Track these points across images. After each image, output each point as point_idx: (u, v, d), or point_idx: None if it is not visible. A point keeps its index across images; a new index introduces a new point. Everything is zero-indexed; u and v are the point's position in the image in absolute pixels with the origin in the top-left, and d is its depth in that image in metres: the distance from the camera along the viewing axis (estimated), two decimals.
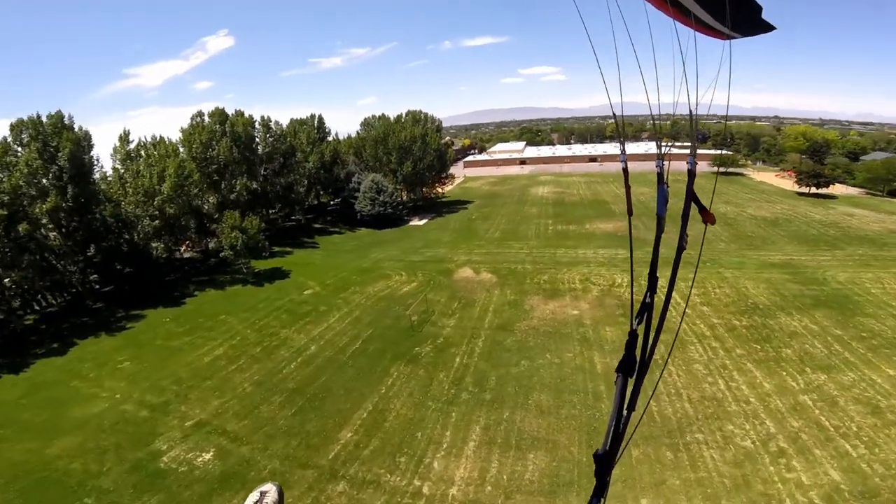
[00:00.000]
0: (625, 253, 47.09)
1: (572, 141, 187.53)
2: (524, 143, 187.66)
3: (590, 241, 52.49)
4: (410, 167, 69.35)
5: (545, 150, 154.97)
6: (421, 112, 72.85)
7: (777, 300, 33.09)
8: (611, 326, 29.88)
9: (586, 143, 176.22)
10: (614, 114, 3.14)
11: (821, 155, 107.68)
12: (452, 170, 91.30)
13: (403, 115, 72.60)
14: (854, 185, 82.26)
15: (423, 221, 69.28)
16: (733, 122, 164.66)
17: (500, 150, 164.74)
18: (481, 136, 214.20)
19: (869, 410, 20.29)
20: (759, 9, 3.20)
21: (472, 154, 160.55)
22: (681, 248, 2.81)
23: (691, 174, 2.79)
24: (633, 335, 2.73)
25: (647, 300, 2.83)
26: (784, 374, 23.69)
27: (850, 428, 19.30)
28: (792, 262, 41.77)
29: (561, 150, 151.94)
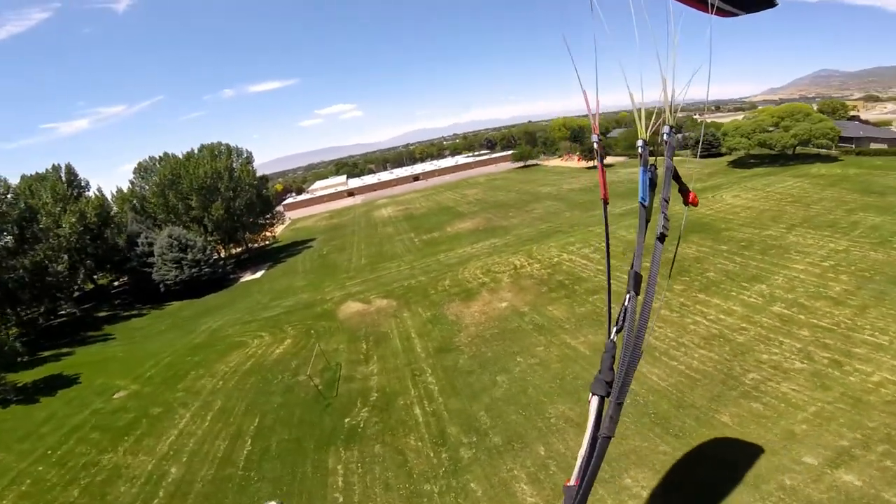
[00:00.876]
0: (499, 241, 46.00)
1: (388, 167, 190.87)
2: (345, 175, 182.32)
3: (460, 240, 50.07)
4: (221, 209, 55.35)
5: (369, 179, 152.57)
6: (221, 144, 59.39)
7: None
8: (551, 304, 26.62)
9: (402, 166, 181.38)
10: (587, 103, 4.29)
11: (581, 138, 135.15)
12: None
13: (196, 151, 57.94)
14: (617, 155, 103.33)
15: (260, 273, 56.31)
16: (513, 126, 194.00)
17: (322, 186, 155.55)
18: (293, 180, 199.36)
19: (822, 294, 21.56)
20: None
21: (291, 197, 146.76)
22: (662, 237, 3.05)
23: (670, 147, 3.24)
24: (610, 347, 2.62)
25: (627, 303, 2.77)
26: (732, 292, 24.07)
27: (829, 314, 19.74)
28: (633, 209, 47.14)
29: (385, 176, 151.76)
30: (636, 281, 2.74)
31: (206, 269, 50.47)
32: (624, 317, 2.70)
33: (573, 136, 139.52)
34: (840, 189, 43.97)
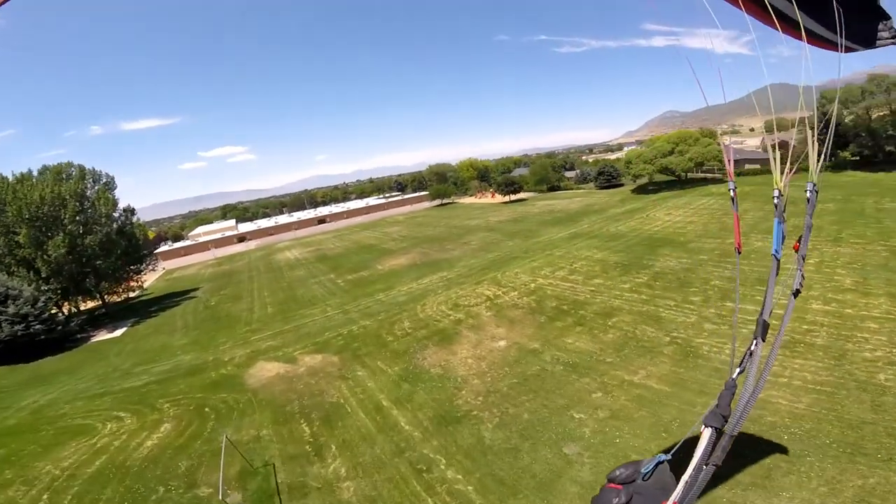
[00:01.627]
0: (449, 273, 39.31)
1: (285, 211, 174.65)
2: (234, 220, 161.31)
3: (399, 277, 42.13)
4: (63, 248, 39.62)
5: (265, 222, 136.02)
6: (72, 164, 43.74)
7: (628, 257, 32.40)
8: (567, 336, 20.26)
9: (303, 209, 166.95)
10: (726, 155, 4.98)
11: (487, 177, 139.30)
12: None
13: (35, 172, 41.71)
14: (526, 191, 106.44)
15: (121, 331, 41.06)
16: (421, 171, 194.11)
17: (206, 231, 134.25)
18: (171, 227, 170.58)
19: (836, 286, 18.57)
20: (887, 17, 3.78)
21: (166, 245, 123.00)
22: (796, 293, 3.07)
23: (811, 204, 3.29)
24: (731, 385, 2.77)
25: (754, 347, 2.89)
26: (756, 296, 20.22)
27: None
28: (577, 232, 44.73)
29: (284, 219, 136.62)
30: (764, 328, 2.90)
31: (38, 327, 34.67)
32: (748, 359, 2.90)
33: (480, 175, 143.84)
34: (752, 202, 46.92)
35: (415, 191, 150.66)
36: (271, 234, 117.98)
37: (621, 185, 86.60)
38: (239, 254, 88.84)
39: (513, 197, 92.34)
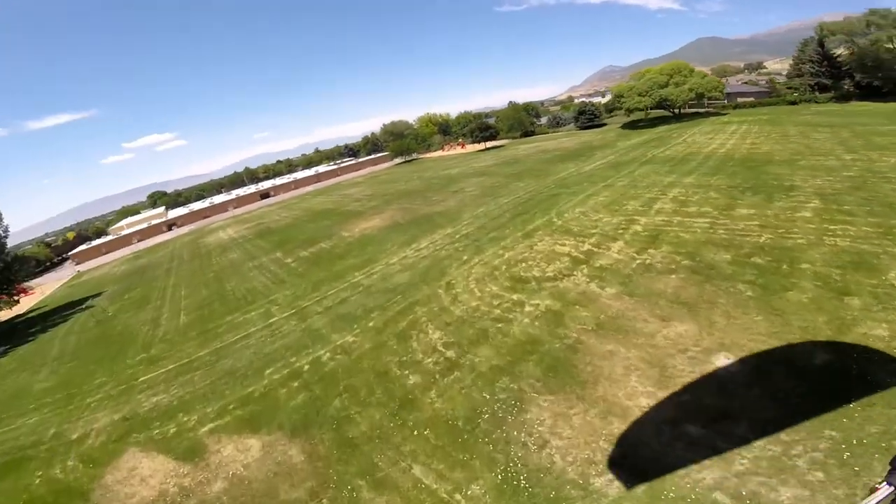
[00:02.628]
0: (463, 228, 26.02)
1: (223, 190, 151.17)
2: (164, 207, 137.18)
3: (378, 244, 28.37)
4: None
5: (198, 205, 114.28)
6: None
7: (738, 180, 20.26)
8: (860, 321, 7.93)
9: (243, 186, 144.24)
10: None
11: (448, 131, 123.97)
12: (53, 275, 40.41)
13: None
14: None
15: None
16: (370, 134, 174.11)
17: (131, 222, 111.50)
18: (96, 226, 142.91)
19: None
20: None
21: (87, 244, 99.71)
22: None
23: None
24: None
25: None
26: None
27: None
28: (615, 162, 32.28)
29: (220, 199, 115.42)
30: None
31: None
32: None
33: (442, 130, 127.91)
34: (779, 128, 36.41)
35: (369, 154, 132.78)
36: (206, 217, 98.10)
37: (604, 124, 75.49)
38: (161, 244, 70.30)
39: (489, 144, 78.73)
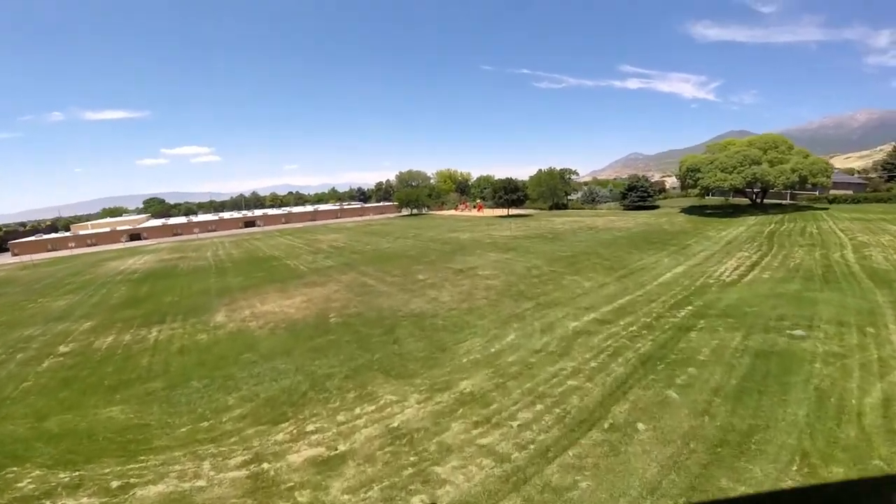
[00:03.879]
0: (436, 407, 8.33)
1: (211, 211, 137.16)
2: (148, 215, 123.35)
3: (260, 360, 10.72)
4: None
5: (175, 220, 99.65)
6: None
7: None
8: None
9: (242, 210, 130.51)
10: None
11: (467, 191, 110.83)
12: None
13: None
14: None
15: None
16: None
17: (101, 223, 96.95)
18: (66, 220, 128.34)
19: None
20: None
21: (38, 237, 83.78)
22: None
23: None
24: None
25: None
26: None
27: None
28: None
29: (203, 217, 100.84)
30: None
31: None
32: None
33: (460, 188, 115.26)
34: None
35: (378, 201, 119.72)
36: (175, 234, 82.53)
37: (655, 206, 60.65)
38: (96, 254, 53.55)
39: (513, 211, 63.60)
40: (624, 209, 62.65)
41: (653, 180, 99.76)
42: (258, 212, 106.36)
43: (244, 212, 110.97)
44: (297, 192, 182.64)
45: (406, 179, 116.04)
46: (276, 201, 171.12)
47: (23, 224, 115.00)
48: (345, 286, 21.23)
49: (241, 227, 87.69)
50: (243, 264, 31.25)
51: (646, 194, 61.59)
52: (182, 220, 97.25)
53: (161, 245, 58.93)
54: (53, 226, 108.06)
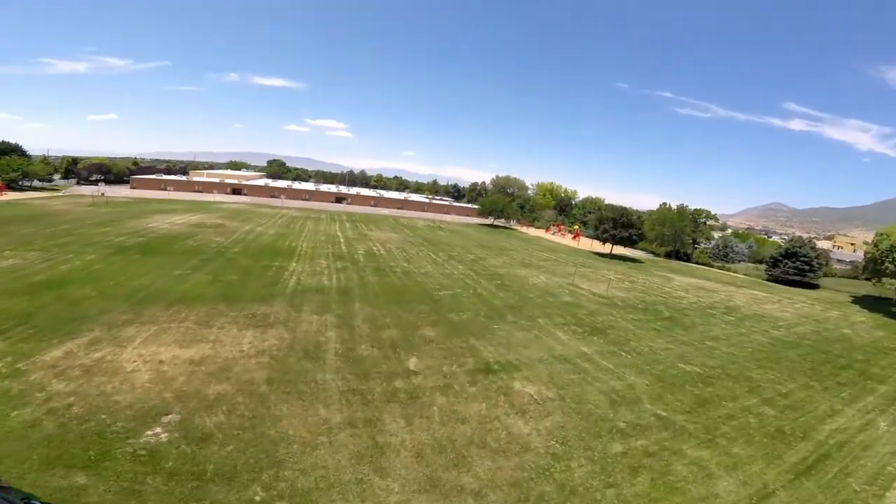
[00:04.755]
0: None
1: (312, 182, 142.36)
2: (262, 174, 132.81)
3: None
4: None
5: (280, 183, 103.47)
6: None
7: None
8: None
9: (352, 186, 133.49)
10: None
11: (567, 210, 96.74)
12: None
13: None
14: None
15: None
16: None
17: (214, 174, 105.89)
18: (184, 164, 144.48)
19: None
20: None
21: (156, 175, 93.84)
22: None
23: None
24: None
25: None
26: None
27: None
28: None
29: (301, 186, 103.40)
30: None
31: None
32: None
33: (559, 206, 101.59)
34: None
35: (470, 202, 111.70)
36: (272, 196, 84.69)
37: (815, 285, 42.59)
38: (169, 200, 54.57)
39: (618, 250, 49.95)
40: (768, 279, 45.26)
41: (817, 246, 75.22)
42: (353, 190, 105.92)
43: (341, 187, 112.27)
44: (399, 178, 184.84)
45: (502, 185, 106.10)
46: (380, 182, 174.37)
47: (160, 163, 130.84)
48: (268, 356, 12.72)
49: (331, 202, 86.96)
50: (242, 256, 25.02)
51: (808, 268, 43.49)
52: (283, 184, 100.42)
53: (236, 205, 57.91)
54: (181, 168, 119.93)
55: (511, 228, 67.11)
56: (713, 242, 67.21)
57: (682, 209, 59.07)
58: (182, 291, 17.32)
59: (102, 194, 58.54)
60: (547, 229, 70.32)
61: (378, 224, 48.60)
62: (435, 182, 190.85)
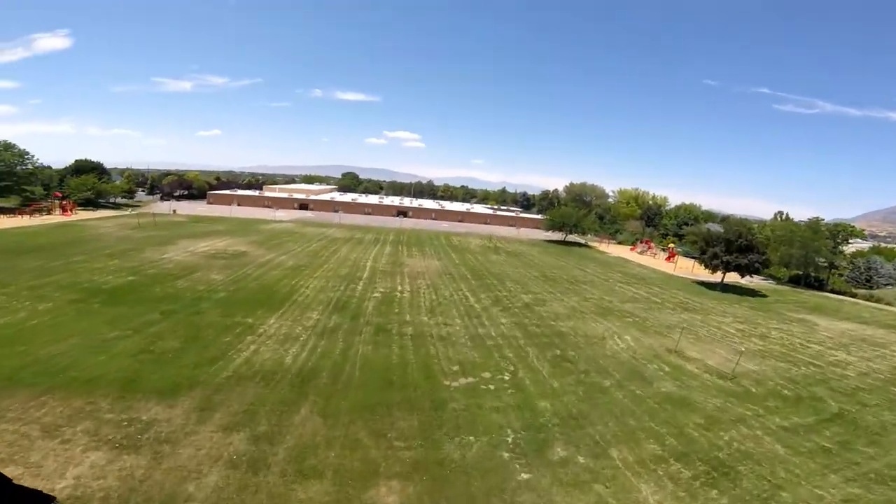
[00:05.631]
0: None
1: (382, 194, 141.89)
2: (333, 187, 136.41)
3: None
4: None
5: (344, 197, 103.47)
6: None
7: None
8: None
9: (418, 197, 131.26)
10: None
11: (655, 222, 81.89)
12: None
13: None
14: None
15: None
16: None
17: (286, 188, 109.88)
18: (258, 179, 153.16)
19: None
20: None
21: (232, 191, 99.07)
22: None
23: None
24: None
25: None
26: None
27: None
28: None
29: (365, 199, 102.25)
30: None
31: None
32: None
33: (646, 216, 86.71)
34: None
35: (540, 212, 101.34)
36: (335, 210, 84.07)
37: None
38: (219, 219, 54.11)
39: (733, 276, 37.33)
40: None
41: None
42: (415, 202, 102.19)
43: (405, 199, 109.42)
44: (465, 187, 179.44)
45: (577, 192, 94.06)
46: (447, 192, 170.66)
47: (244, 177, 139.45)
48: None
49: (393, 215, 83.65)
50: (218, 307, 19.91)
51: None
52: (349, 198, 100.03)
53: (283, 224, 55.87)
54: (258, 183, 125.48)
55: (587, 245, 56.50)
56: (852, 262, 49.63)
57: (815, 224, 44.21)
58: (84, 368, 12.32)
59: (174, 211, 60.75)
60: (633, 246, 58.29)
61: (424, 246, 42.25)
62: (503, 190, 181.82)
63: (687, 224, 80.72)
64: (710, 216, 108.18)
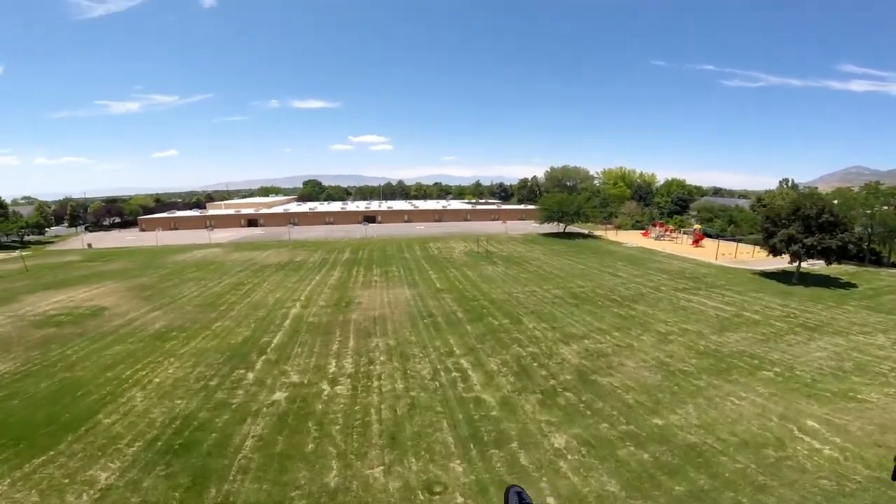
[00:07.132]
0: None
1: (349, 200, 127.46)
2: (290, 198, 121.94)
3: None
4: None
5: (300, 208, 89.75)
6: None
7: None
8: None
9: (389, 199, 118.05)
10: None
11: (648, 199, 72.85)
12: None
13: None
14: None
15: None
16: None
17: (232, 204, 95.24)
18: (201, 197, 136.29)
19: None
20: None
21: (168, 213, 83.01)
22: None
23: None
24: None
25: None
26: None
27: None
28: None
29: (326, 207, 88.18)
30: None
31: None
32: None
33: (638, 195, 77.18)
34: None
35: (521, 202, 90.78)
36: (292, 223, 70.59)
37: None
38: (126, 251, 40.45)
39: (793, 262, 27.11)
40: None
41: None
42: (384, 205, 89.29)
43: (372, 203, 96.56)
44: (439, 184, 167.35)
45: (559, 178, 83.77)
46: (420, 191, 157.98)
47: (182, 197, 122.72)
48: None
49: (359, 222, 70.80)
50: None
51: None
52: (306, 208, 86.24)
53: (206, 250, 42.80)
54: (199, 202, 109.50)
55: (593, 236, 45.90)
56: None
57: (873, 187, 35.08)
58: None
59: (89, 245, 47.03)
60: (645, 231, 48.05)
61: (391, 264, 30.36)
62: (478, 184, 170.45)
63: (684, 201, 72.23)
64: (700, 191, 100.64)
